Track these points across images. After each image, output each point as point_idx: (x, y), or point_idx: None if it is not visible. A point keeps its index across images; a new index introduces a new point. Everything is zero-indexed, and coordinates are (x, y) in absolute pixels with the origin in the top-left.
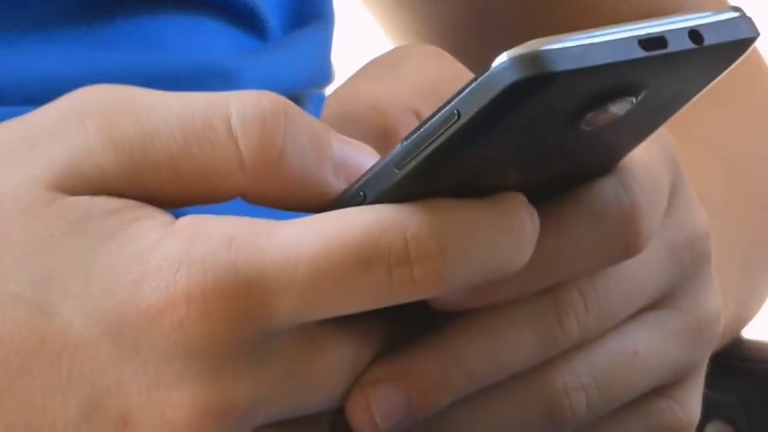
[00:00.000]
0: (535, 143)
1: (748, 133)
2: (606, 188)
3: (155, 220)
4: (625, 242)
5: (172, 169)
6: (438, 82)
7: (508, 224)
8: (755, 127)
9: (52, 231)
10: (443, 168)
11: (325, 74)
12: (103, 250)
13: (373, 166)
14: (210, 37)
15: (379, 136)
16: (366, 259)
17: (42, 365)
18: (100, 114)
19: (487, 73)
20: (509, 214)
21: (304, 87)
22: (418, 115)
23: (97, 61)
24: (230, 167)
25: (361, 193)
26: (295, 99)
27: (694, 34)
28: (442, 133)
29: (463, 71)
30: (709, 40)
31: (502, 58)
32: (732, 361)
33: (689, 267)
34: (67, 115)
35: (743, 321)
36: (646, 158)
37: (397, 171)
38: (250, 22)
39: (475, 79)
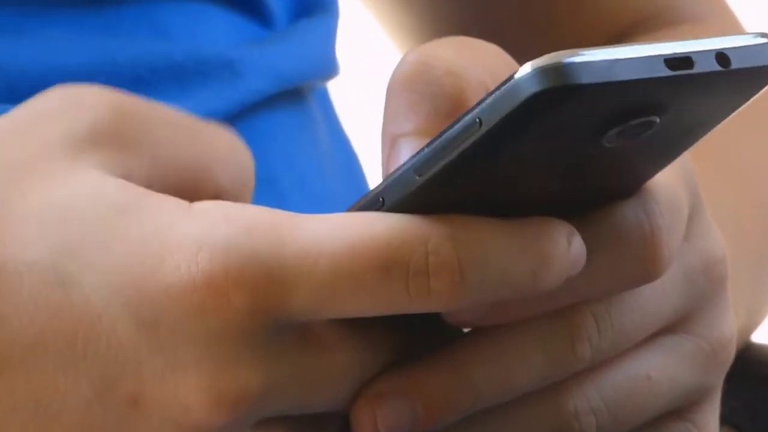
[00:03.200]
0: (556, 158)
1: (760, 141)
2: (627, 211)
3: (171, 200)
4: (644, 267)
5: None
6: (501, 67)
7: (528, 249)
8: (766, 134)
9: (70, 198)
10: (463, 177)
11: (329, 66)
12: (121, 222)
13: (393, 172)
14: (214, 26)
15: (450, 99)
16: (386, 265)
17: (57, 340)
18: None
19: (510, 82)
20: (532, 239)
21: (308, 79)
22: (487, 90)
23: (103, 50)
24: None
25: (381, 198)
26: (299, 91)
27: (721, 56)
28: (464, 141)
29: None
30: (736, 64)
31: (526, 69)
32: (738, 366)
33: (705, 291)
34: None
35: (753, 328)
36: (667, 181)
37: (417, 177)
38: (255, 11)
39: (497, 89)
